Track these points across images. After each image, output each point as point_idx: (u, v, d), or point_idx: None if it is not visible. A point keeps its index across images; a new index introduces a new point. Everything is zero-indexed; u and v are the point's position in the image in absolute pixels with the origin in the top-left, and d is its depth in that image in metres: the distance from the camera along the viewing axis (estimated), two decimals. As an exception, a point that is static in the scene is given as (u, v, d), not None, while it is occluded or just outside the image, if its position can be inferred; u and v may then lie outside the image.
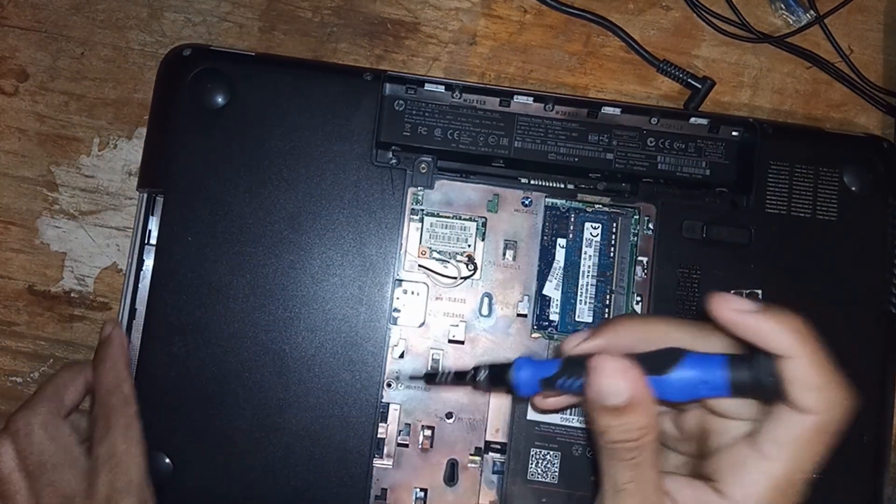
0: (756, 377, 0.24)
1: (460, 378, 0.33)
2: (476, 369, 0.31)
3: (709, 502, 0.25)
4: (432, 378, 0.38)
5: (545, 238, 0.41)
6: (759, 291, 0.40)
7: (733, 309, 0.25)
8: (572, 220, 0.41)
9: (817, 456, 0.25)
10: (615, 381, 0.25)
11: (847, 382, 0.25)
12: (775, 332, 0.24)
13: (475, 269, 0.40)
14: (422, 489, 0.39)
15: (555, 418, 0.39)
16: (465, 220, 0.40)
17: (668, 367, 0.25)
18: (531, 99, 0.41)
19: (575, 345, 0.28)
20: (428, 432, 0.39)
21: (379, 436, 0.38)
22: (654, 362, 0.26)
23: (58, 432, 0.35)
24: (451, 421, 0.39)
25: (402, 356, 0.39)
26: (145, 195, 0.40)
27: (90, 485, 0.34)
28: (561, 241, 0.41)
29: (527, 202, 0.41)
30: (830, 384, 0.24)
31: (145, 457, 0.35)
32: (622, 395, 0.25)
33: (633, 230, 0.41)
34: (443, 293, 0.40)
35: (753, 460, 0.25)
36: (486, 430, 0.39)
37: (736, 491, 0.25)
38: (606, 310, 0.40)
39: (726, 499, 0.25)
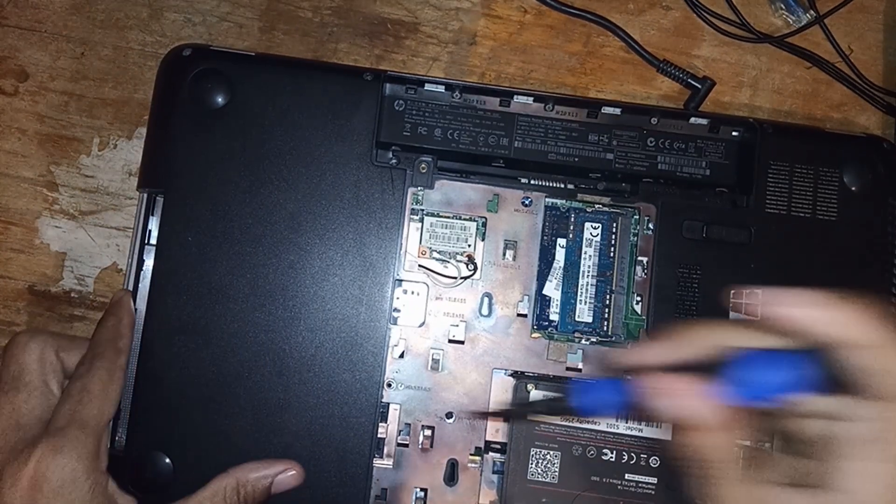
0: (833, 371, 0.23)
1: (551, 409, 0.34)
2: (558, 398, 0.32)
3: None
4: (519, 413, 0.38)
5: (545, 238, 0.41)
6: (759, 291, 0.40)
7: (795, 305, 0.24)
8: (572, 220, 0.41)
9: None
10: (683, 406, 0.25)
11: None
12: (847, 323, 0.23)
13: (475, 269, 0.40)
14: (422, 489, 0.39)
15: (555, 418, 0.39)
16: (465, 220, 0.40)
17: (737, 371, 0.25)
18: (531, 99, 0.41)
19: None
20: (428, 432, 0.39)
21: (379, 436, 0.38)
22: (717, 368, 0.25)
23: (47, 361, 0.35)
24: (451, 421, 0.39)
25: (402, 356, 0.39)
26: (145, 195, 0.40)
27: (52, 415, 0.34)
28: (561, 241, 0.41)
29: (527, 202, 0.41)
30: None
31: (114, 408, 0.35)
32: (690, 416, 0.25)
33: (633, 230, 0.41)
34: (443, 293, 0.40)
35: (859, 463, 0.24)
36: (486, 430, 0.39)
37: (849, 498, 0.24)
38: (606, 310, 0.40)
39: None
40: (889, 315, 0.24)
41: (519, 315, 0.40)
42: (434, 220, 0.40)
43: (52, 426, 0.33)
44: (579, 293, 0.40)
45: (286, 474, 0.37)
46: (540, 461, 0.38)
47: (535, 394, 0.39)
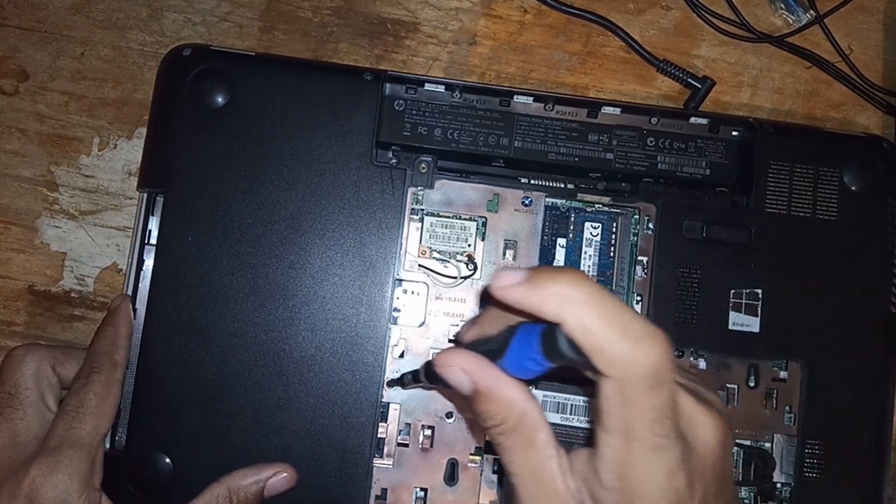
0: (555, 347, 0.23)
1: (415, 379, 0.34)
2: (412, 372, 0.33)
3: (589, 479, 0.24)
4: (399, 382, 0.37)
5: (545, 238, 0.41)
6: (760, 291, 0.40)
7: (501, 287, 0.23)
8: (572, 219, 0.41)
9: (650, 420, 0.22)
10: (453, 374, 0.25)
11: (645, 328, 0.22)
12: (541, 300, 0.23)
13: (475, 268, 0.40)
14: (422, 489, 0.39)
15: (555, 418, 0.39)
16: (465, 219, 0.40)
17: (505, 347, 0.25)
18: (531, 99, 0.41)
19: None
20: (428, 432, 0.39)
21: (379, 436, 0.38)
22: (500, 343, 0.25)
23: (42, 377, 0.36)
24: (451, 421, 0.39)
25: (402, 356, 0.39)
26: (145, 195, 0.40)
27: (48, 432, 0.34)
28: (561, 241, 0.41)
29: (527, 202, 0.41)
30: (614, 341, 0.22)
31: (110, 423, 0.35)
32: (466, 386, 0.25)
33: (633, 230, 0.41)
34: (443, 293, 0.40)
35: (604, 435, 0.23)
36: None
37: (602, 466, 0.23)
38: (606, 310, 0.40)
39: (597, 473, 0.24)
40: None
41: (519, 315, 0.40)
42: (434, 219, 0.40)
43: (47, 444, 0.33)
44: (579, 293, 0.40)
45: (278, 477, 0.37)
46: (540, 461, 0.38)
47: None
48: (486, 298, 0.27)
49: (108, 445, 0.36)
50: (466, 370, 0.25)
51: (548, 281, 0.23)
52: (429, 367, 0.31)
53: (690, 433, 0.24)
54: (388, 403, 0.39)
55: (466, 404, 0.27)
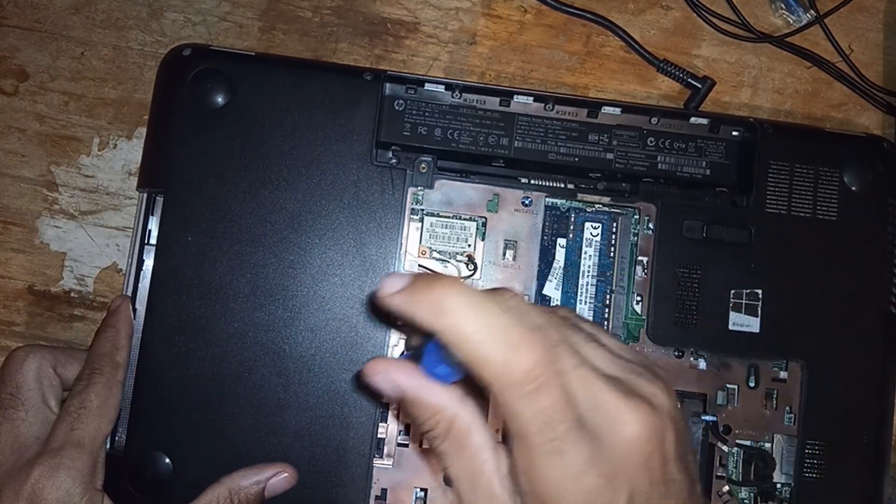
0: (451, 356, 0.22)
1: None
2: None
3: (515, 481, 0.24)
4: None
5: (545, 238, 0.41)
6: (760, 291, 0.40)
7: (384, 295, 0.23)
8: (572, 219, 0.41)
9: (540, 425, 0.22)
10: (379, 383, 0.24)
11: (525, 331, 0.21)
12: (417, 309, 0.22)
13: (475, 268, 0.40)
14: (422, 489, 0.39)
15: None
16: (465, 219, 0.40)
17: (421, 354, 0.24)
18: (531, 99, 0.41)
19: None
20: (428, 432, 0.39)
21: (379, 436, 0.38)
22: (419, 350, 0.25)
23: (44, 378, 0.36)
24: (451, 421, 0.39)
25: (402, 356, 0.39)
26: (145, 195, 0.40)
27: (50, 433, 0.34)
28: (561, 241, 0.41)
29: (527, 202, 0.41)
30: (489, 349, 0.21)
31: (111, 424, 0.35)
32: (392, 393, 0.24)
33: (633, 230, 0.41)
34: (443, 293, 0.40)
35: (511, 441, 0.23)
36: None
37: (516, 471, 0.23)
38: (606, 310, 0.40)
39: (516, 477, 0.23)
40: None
41: (519, 315, 0.40)
42: (434, 219, 0.40)
43: (49, 445, 0.33)
44: (579, 293, 0.40)
45: (278, 477, 0.37)
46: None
47: None
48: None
49: (108, 446, 0.36)
50: (390, 378, 0.24)
51: (423, 289, 0.22)
52: (358, 377, 0.30)
53: (607, 429, 0.23)
54: (388, 404, 0.39)
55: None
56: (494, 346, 0.21)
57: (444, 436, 0.24)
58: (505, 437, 0.24)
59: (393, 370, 0.24)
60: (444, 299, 0.22)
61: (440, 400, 0.24)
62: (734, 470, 0.39)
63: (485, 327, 0.22)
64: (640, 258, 0.41)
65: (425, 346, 0.24)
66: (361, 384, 0.30)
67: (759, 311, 0.40)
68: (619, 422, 0.23)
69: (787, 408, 0.40)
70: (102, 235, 0.45)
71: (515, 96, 0.41)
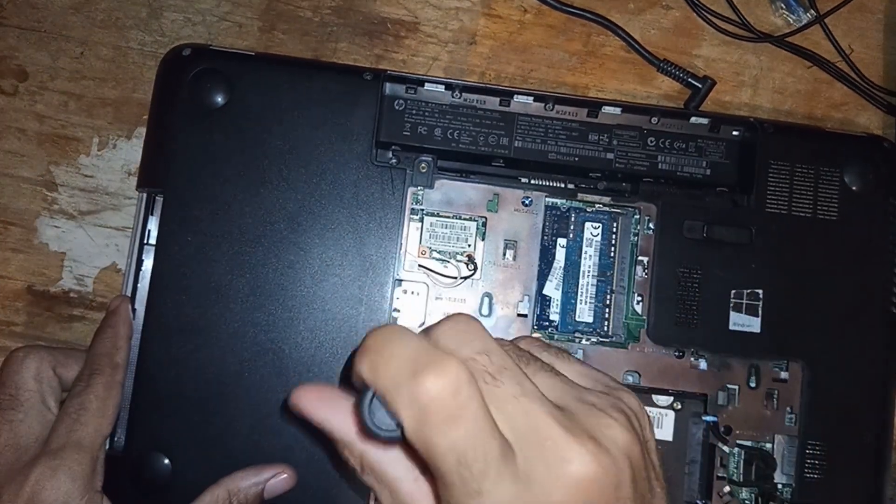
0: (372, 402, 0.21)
1: None
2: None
3: None
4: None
5: (545, 238, 0.41)
6: (760, 291, 0.40)
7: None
8: (572, 219, 0.41)
9: (452, 464, 0.20)
10: (296, 411, 0.24)
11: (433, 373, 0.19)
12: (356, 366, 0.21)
13: (475, 268, 0.40)
14: (422, 489, 0.38)
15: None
16: (465, 219, 0.40)
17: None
18: (531, 98, 0.41)
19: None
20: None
21: (379, 436, 0.38)
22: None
23: (43, 378, 0.36)
24: (451, 421, 0.39)
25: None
26: (145, 195, 0.40)
27: (49, 434, 0.34)
28: (561, 241, 0.41)
29: (527, 202, 0.41)
30: (385, 374, 0.20)
31: (111, 426, 0.35)
32: (332, 434, 0.24)
33: (633, 230, 0.41)
34: (443, 293, 0.40)
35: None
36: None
37: None
38: (606, 310, 0.40)
39: None
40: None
41: (519, 315, 0.40)
42: (434, 219, 0.40)
43: (48, 447, 0.33)
44: (580, 293, 0.40)
45: (278, 478, 0.36)
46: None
47: None
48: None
49: (107, 446, 0.36)
50: (300, 407, 0.24)
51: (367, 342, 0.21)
52: (286, 401, 0.29)
53: (543, 468, 0.20)
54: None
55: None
56: (397, 373, 0.20)
57: (360, 470, 0.23)
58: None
59: (301, 397, 0.24)
60: (365, 343, 0.21)
61: (343, 435, 0.23)
62: (735, 470, 0.39)
63: (388, 358, 0.20)
64: (640, 258, 0.40)
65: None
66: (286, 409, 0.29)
67: (760, 312, 0.40)
68: (560, 460, 0.20)
69: (788, 408, 0.40)
70: (102, 235, 0.44)
71: (515, 96, 0.41)
